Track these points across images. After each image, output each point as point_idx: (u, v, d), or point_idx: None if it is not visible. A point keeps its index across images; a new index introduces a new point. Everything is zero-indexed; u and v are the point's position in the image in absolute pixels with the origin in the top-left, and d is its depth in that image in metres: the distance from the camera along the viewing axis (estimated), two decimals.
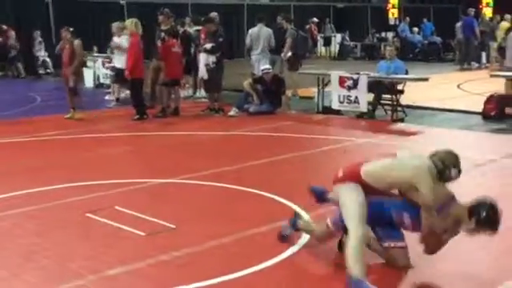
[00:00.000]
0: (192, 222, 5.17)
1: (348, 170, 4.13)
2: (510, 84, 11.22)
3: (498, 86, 11.32)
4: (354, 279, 3.67)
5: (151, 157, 8.04)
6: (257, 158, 7.40)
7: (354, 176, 4.03)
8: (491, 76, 11.66)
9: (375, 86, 10.54)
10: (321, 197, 4.66)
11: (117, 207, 5.50)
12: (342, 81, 10.56)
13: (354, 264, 3.73)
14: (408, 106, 10.93)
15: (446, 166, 4.03)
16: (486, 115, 10.39)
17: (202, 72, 11.02)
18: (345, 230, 4.02)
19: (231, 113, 10.82)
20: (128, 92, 11.73)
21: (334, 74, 10.77)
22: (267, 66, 11.27)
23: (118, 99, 12.56)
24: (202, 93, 12.66)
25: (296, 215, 4.76)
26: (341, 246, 4.25)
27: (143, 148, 8.58)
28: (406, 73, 10.95)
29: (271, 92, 11.05)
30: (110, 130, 9.75)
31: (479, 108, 10.57)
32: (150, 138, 9.29)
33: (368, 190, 3.99)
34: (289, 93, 12.10)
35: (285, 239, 4.53)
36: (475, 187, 5.63)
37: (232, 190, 6.13)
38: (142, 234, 4.82)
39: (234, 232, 4.79)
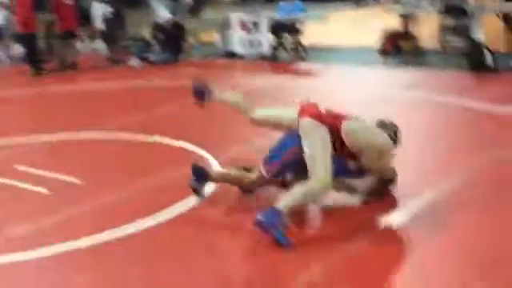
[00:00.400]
0: (97, 175, 5.02)
1: (332, 117, 3.90)
2: (404, 20, 11.56)
3: (394, 22, 11.63)
4: (275, 208, 3.52)
5: (51, 112, 7.72)
6: (161, 107, 7.27)
7: (333, 126, 3.83)
8: (386, 12, 11.94)
9: (276, 28, 10.56)
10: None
11: (16, 166, 5.26)
12: (243, 24, 10.50)
13: (288, 201, 3.56)
14: (309, 46, 11.06)
15: (396, 140, 4.09)
16: (383, 50, 10.68)
17: (99, 23, 10.61)
18: (282, 177, 3.97)
19: (132, 63, 10.54)
20: (21, 49, 11.13)
21: (235, 18, 10.68)
22: (167, 13, 10.98)
23: (10, 57, 11.89)
24: (100, 44, 12.22)
25: (199, 168, 4.31)
26: (245, 189, 4.23)
27: (42, 104, 8.21)
28: (306, 12, 11.02)
29: (172, 40, 10.82)
30: (6, 87, 9.25)
31: (377, 44, 10.85)
32: (48, 94, 8.90)
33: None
34: (190, 39, 11.91)
35: (198, 192, 4.29)
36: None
37: (138, 140, 6.00)
38: (45, 191, 4.65)
39: (141, 182, 4.70)
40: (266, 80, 8.88)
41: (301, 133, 3.86)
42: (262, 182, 4.19)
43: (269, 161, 4.15)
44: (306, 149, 3.77)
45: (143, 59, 10.72)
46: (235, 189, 4.39)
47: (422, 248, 3.46)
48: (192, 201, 4.28)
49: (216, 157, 5.24)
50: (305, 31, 10.62)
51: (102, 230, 3.84)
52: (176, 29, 10.89)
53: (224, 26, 11.16)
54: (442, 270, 3.22)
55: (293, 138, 3.99)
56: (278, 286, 3.15)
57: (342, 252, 3.41)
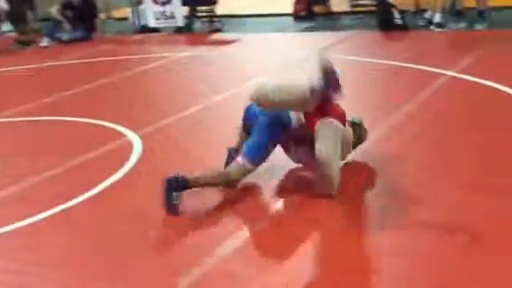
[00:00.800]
0: (15, 159, 4.88)
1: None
2: None
3: None
4: None
5: None
6: (76, 87, 7.08)
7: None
8: None
9: None
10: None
11: None
12: None
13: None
14: (224, 16, 11.01)
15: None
16: (296, 16, 10.80)
17: (2, 2, 10.14)
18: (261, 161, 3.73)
19: (43, 43, 10.17)
20: None
21: None
22: None
23: None
24: (7, 25, 11.72)
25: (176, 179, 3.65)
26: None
27: None
28: None
29: (83, 17, 10.50)
30: None
31: (290, 10, 10.95)
32: None
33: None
34: (102, 16, 11.59)
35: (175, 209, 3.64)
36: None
37: (54, 121, 5.85)
38: None
39: (60, 163, 4.60)
40: (183, 52, 8.80)
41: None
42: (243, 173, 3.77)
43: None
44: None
45: (55, 39, 10.36)
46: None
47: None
48: (110, 179, 4.24)
49: (136, 132, 5.18)
50: (219, 1, 10.55)
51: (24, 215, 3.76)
52: (86, 5, 10.55)
53: (136, 1, 10.93)
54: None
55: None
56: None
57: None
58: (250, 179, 3.81)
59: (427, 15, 8.97)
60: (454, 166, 3.97)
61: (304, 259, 3.07)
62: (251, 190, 3.85)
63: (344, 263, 2.96)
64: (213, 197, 3.76)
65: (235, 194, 3.78)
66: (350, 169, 3.96)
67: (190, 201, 3.66)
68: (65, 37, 10.36)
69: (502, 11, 9.06)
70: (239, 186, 3.79)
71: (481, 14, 8.36)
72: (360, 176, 3.93)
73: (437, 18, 8.60)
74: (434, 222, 3.27)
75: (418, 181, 3.78)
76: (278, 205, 3.70)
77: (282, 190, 3.85)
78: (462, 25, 8.49)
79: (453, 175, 3.83)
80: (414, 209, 3.41)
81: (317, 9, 11.10)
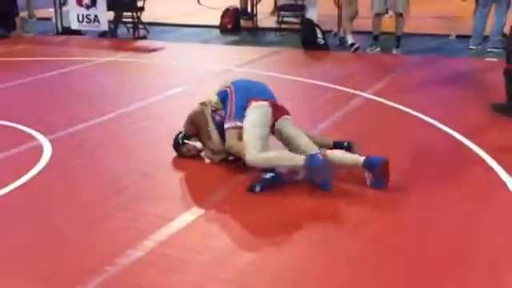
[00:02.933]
0: None
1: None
2: None
3: (234, 0, 11.87)
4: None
5: None
6: None
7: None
8: None
9: (115, 4, 10.32)
10: None
11: None
12: None
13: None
14: (150, 23, 10.95)
15: None
16: (223, 29, 10.89)
17: None
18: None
19: None
20: None
21: None
22: None
23: None
24: None
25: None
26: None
27: None
28: None
29: (2, 14, 10.17)
30: None
31: (217, 22, 11.03)
32: None
33: None
34: (24, 14, 11.29)
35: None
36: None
37: None
38: None
39: None
40: (106, 57, 8.69)
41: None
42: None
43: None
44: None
45: None
46: None
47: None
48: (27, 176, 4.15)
49: (46, 135, 5.07)
50: (145, 8, 10.49)
51: None
52: (5, 2, 10.22)
53: (60, 1, 10.71)
54: None
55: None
56: None
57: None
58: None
59: (341, 33, 9.27)
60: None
61: None
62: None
63: None
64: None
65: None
66: None
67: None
68: None
69: (413, 37, 9.50)
70: None
71: (398, 40, 8.71)
72: None
73: (349, 40, 8.91)
74: None
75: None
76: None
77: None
78: (378, 49, 8.81)
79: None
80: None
81: (243, 23, 11.25)
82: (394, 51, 8.74)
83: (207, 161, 4.53)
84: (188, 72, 7.65)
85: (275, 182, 4.00)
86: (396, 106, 5.99)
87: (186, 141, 4.56)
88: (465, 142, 4.90)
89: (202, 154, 4.59)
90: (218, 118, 4.43)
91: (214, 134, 4.43)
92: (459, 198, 3.92)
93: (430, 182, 4.15)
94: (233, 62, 8.22)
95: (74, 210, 3.76)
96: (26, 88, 6.95)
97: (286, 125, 4.31)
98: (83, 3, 10.10)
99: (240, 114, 4.23)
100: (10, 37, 10.16)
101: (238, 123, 4.21)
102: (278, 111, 4.32)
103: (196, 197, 3.96)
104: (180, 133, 4.59)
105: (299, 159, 4.00)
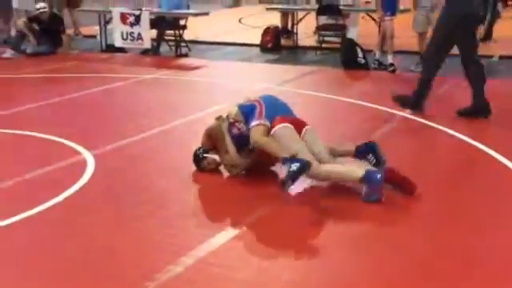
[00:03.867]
0: None
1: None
2: (284, 16, 11.95)
3: (275, 19, 11.98)
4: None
5: None
6: (36, 101, 7.07)
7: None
8: (267, 9, 12.25)
9: (158, 22, 10.53)
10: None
11: None
12: (124, 17, 10.36)
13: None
14: (192, 41, 11.14)
15: None
16: (263, 47, 10.98)
17: None
18: None
19: (6, 55, 10.10)
20: None
21: (116, 11, 10.52)
22: (42, 4, 10.58)
23: None
24: None
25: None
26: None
27: None
28: (188, 8, 11.07)
29: (50, 31, 10.48)
30: None
31: (257, 40, 11.13)
32: None
33: None
34: (70, 32, 11.60)
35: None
36: None
37: (7, 134, 5.81)
38: None
39: (7, 177, 4.58)
40: (148, 74, 8.85)
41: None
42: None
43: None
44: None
45: (20, 51, 10.31)
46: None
47: None
48: (66, 193, 4.24)
49: (90, 150, 5.19)
50: (188, 27, 10.67)
51: None
52: (53, 20, 10.53)
53: (105, 20, 10.97)
54: None
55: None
56: None
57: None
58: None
59: (377, 56, 9.19)
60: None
61: None
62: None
63: None
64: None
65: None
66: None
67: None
68: (29, 49, 10.32)
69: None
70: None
71: None
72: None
73: (389, 59, 8.85)
74: None
75: None
76: None
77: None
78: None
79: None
80: None
81: (284, 42, 11.33)
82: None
83: (227, 174, 4.62)
84: (229, 90, 7.74)
85: (304, 170, 3.99)
86: (435, 126, 5.94)
87: (205, 155, 4.66)
88: (509, 165, 4.82)
89: (221, 167, 4.68)
90: (235, 130, 4.50)
91: (231, 147, 4.50)
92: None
93: (470, 211, 4.10)
94: (273, 81, 8.28)
95: (116, 225, 3.83)
96: (72, 103, 7.13)
97: (311, 137, 4.37)
98: (127, 21, 10.32)
99: (269, 121, 4.38)
100: (57, 53, 10.44)
101: (267, 122, 4.36)
102: (298, 126, 4.39)
103: (235, 213, 3.99)
104: (199, 148, 4.69)
105: (357, 175, 4.05)
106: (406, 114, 6.41)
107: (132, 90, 7.93)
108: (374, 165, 4.30)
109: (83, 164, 4.89)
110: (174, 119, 6.25)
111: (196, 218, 3.94)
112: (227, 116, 4.61)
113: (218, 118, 4.66)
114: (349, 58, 9.15)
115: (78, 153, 5.18)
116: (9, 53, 10.14)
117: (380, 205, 4.02)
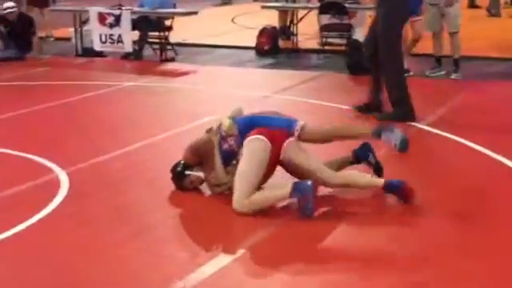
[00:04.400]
0: None
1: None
2: (282, 15, 12.00)
3: (272, 19, 12.03)
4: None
5: None
6: (1, 112, 7.08)
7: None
8: (263, 7, 12.32)
9: (141, 23, 10.57)
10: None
11: None
12: (102, 18, 10.40)
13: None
14: (178, 44, 11.18)
15: None
16: (259, 50, 11.03)
17: None
18: None
19: None
20: None
21: (93, 11, 10.56)
22: (10, 4, 10.61)
23: None
24: None
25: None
26: None
27: None
28: (174, 7, 11.12)
29: (18, 34, 10.51)
30: None
31: (252, 43, 11.17)
32: None
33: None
34: (41, 34, 11.64)
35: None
36: None
37: None
38: None
39: None
40: (129, 81, 8.87)
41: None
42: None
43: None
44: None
45: None
46: None
47: None
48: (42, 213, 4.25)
49: (64, 168, 5.20)
50: (174, 28, 10.71)
51: None
52: (22, 21, 10.56)
53: (81, 20, 11.01)
54: None
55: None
56: None
57: None
58: None
59: None
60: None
61: None
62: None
63: None
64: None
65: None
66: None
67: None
68: None
69: (475, 61, 9.49)
70: None
71: (455, 63, 8.70)
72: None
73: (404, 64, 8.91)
74: None
75: None
76: None
77: None
78: (442, 73, 8.83)
79: None
80: None
81: (282, 44, 11.37)
82: (453, 76, 8.72)
83: (210, 192, 4.64)
84: (220, 99, 7.74)
85: (314, 190, 4.14)
86: (454, 137, 5.97)
87: (187, 172, 4.62)
88: None
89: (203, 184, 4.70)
90: (225, 146, 4.50)
91: (219, 164, 4.51)
92: None
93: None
94: (270, 88, 8.31)
95: (92, 251, 3.83)
96: (42, 115, 7.14)
97: (292, 151, 4.41)
98: (106, 22, 10.36)
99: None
100: (26, 58, 10.47)
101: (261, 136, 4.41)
102: (277, 138, 4.39)
103: (226, 238, 4.00)
104: (178, 163, 4.66)
105: (286, 191, 4.18)
106: (422, 125, 6.43)
107: (111, 99, 7.95)
108: (375, 166, 4.71)
109: (56, 183, 4.89)
110: (158, 132, 6.26)
111: (182, 243, 3.94)
112: (218, 128, 4.60)
113: (209, 131, 4.66)
114: (355, 61, 9.16)
115: (49, 170, 5.19)
116: None
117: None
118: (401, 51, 6.83)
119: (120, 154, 5.66)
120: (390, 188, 4.37)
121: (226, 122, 4.54)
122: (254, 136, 4.35)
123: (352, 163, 4.78)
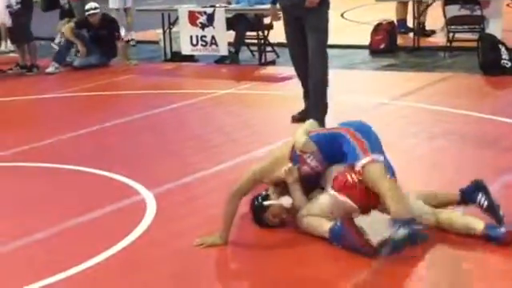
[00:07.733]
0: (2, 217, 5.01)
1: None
2: (402, 7, 11.78)
3: (388, 12, 11.85)
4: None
5: None
6: (83, 127, 7.27)
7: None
8: (377, 0, 12.15)
9: (236, 22, 10.65)
10: None
11: None
12: (192, 17, 10.55)
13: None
14: (280, 45, 11.15)
15: None
16: (373, 49, 10.87)
17: (3, 17, 10.55)
18: None
19: (50, 69, 10.52)
20: None
21: (183, 9, 10.73)
22: (93, 5, 10.96)
23: None
24: (8, 45, 12.19)
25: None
26: None
27: None
28: (274, 2, 11.12)
29: (102, 38, 10.83)
30: None
31: (366, 41, 11.04)
32: None
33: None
34: (126, 37, 11.96)
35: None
36: None
37: (51, 169, 5.99)
38: None
39: (52, 225, 4.69)
40: (225, 89, 8.93)
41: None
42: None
43: None
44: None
45: (65, 64, 10.71)
46: None
47: None
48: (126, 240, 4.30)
49: (151, 189, 5.25)
50: (274, 27, 10.72)
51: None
52: (106, 24, 10.87)
53: (169, 21, 11.21)
54: None
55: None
56: None
57: None
58: None
59: None
60: None
61: None
62: None
63: None
64: None
65: None
66: None
67: None
68: (77, 62, 10.70)
69: None
70: None
71: None
72: None
73: None
74: None
75: None
76: None
77: None
78: None
79: None
80: None
81: (401, 41, 11.17)
82: None
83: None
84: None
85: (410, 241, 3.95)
86: None
87: (268, 202, 4.39)
88: None
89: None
90: (305, 167, 4.32)
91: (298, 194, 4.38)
92: None
93: None
94: (388, 93, 8.16)
95: (182, 282, 3.82)
96: (127, 129, 7.29)
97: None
98: (197, 22, 10.49)
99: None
100: (110, 65, 10.76)
101: (380, 157, 4.18)
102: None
103: None
104: (259, 196, 4.47)
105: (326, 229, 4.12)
106: None
107: (204, 109, 8.01)
108: (487, 209, 4.25)
109: (142, 206, 4.95)
110: (257, 147, 6.23)
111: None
112: (293, 147, 4.43)
113: None
114: (489, 60, 8.92)
115: (134, 192, 5.25)
116: (52, 67, 10.53)
117: None
118: None
119: (213, 172, 5.66)
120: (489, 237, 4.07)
121: (301, 139, 4.38)
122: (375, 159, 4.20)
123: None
